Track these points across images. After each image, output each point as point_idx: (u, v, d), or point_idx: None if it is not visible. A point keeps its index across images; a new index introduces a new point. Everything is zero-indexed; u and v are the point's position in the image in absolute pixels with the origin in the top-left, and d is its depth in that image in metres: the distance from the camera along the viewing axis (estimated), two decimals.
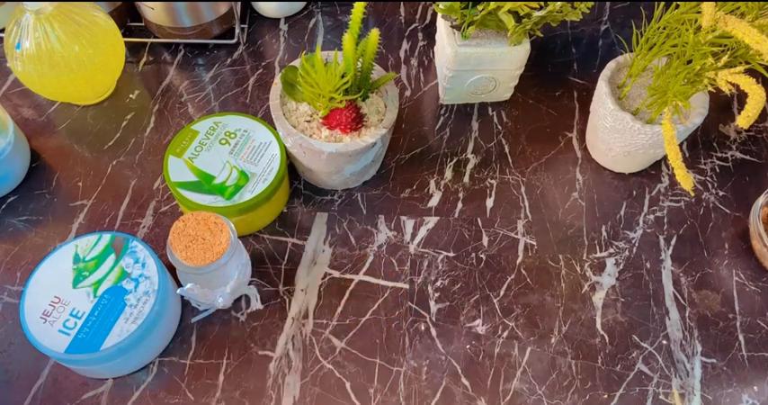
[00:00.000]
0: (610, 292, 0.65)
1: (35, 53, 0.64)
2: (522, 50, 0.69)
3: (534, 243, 0.67)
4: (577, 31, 0.85)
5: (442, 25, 0.72)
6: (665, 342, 0.62)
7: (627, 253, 0.67)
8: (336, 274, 0.65)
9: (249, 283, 0.63)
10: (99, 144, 0.72)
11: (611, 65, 0.68)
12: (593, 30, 0.85)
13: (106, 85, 0.74)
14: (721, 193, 0.72)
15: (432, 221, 0.68)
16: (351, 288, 0.64)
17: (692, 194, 0.72)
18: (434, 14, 0.85)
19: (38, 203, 0.68)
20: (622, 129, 0.65)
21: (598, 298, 0.64)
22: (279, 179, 0.62)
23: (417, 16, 0.86)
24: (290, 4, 0.83)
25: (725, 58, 0.54)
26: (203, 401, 0.57)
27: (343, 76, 0.59)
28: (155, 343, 0.58)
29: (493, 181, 0.72)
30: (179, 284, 0.60)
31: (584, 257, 0.67)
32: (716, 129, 0.77)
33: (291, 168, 0.69)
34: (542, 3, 0.63)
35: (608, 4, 0.88)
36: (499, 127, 0.76)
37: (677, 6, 0.59)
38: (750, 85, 0.51)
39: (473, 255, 0.66)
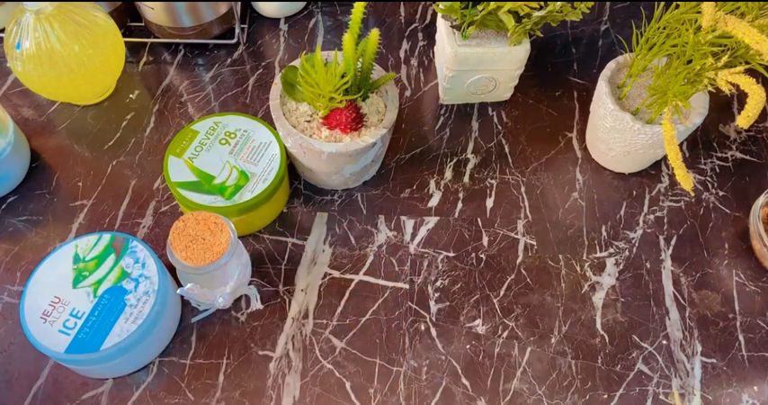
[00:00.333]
0: (610, 292, 0.65)
1: (35, 53, 0.64)
2: (522, 50, 0.69)
3: (534, 243, 0.67)
4: (577, 31, 0.85)
5: (442, 25, 0.72)
6: (665, 342, 0.62)
7: (627, 253, 0.67)
8: (336, 274, 0.65)
9: (249, 283, 0.63)
10: (99, 144, 0.72)
11: (611, 65, 0.68)
12: (593, 30, 0.85)
13: (106, 85, 0.74)
14: (721, 193, 0.72)
15: (432, 221, 0.68)
16: (351, 288, 0.64)
17: (692, 194, 0.72)
18: (434, 14, 0.85)
19: (38, 203, 0.68)
20: (622, 129, 0.65)
21: (598, 298, 0.64)
22: (279, 179, 0.62)
23: (417, 16, 0.86)
24: (290, 4, 0.83)
25: (725, 58, 0.54)
26: (203, 401, 0.57)
27: (343, 76, 0.59)
28: (155, 343, 0.58)
29: (493, 181, 0.72)
30: (179, 284, 0.60)
31: (584, 257, 0.67)
32: (716, 129, 0.77)
33: (291, 168, 0.69)
34: (542, 3, 0.63)
35: (608, 4, 0.88)
36: (499, 127, 0.76)
37: (677, 6, 0.59)
38: (750, 85, 0.51)
39: (473, 255, 0.66)
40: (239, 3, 0.81)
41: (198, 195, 0.61)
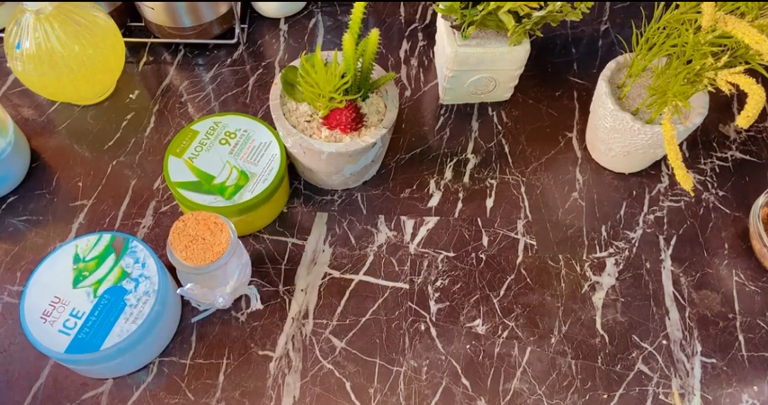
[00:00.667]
0: (610, 292, 0.65)
1: (35, 53, 0.64)
2: (522, 50, 0.69)
3: (534, 243, 0.67)
4: (577, 31, 0.85)
5: (442, 25, 0.72)
6: (664, 342, 0.62)
7: (627, 253, 0.67)
8: (336, 274, 0.65)
9: (249, 283, 0.63)
10: (99, 144, 0.72)
11: (611, 65, 0.68)
12: (593, 30, 0.85)
13: (106, 85, 0.74)
14: (721, 193, 0.72)
15: (432, 221, 0.68)
16: (351, 288, 0.64)
17: (692, 194, 0.72)
18: (434, 14, 0.85)
19: (38, 203, 0.68)
20: (622, 129, 0.65)
21: (598, 298, 0.64)
22: (279, 179, 0.62)
23: (417, 16, 0.86)
24: (290, 4, 0.83)
25: (725, 58, 0.54)
26: (203, 401, 0.57)
27: (343, 76, 0.59)
28: (155, 343, 0.58)
29: (493, 181, 0.72)
30: (179, 284, 0.60)
31: (584, 257, 0.67)
32: (716, 129, 0.77)
33: (291, 168, 0.69)
34: (542, 3, 0.63)
35: (608, 4, 0.88)
36: (499, 127, 0.76)
37: (677, 6, 0.59)
38: (750, 85, 0.51)
39: (473, 255, 0.66)
40: (239, 3, 0.81)
41: (198, 195, 0.61)
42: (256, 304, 0.61)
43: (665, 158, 0.73)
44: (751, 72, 0.56)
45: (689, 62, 0.58)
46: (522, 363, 0.60)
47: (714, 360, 0.61)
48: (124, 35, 0.78)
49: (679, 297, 0.65)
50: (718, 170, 0.74)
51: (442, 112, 0.77)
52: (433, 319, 0.62)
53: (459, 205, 0.70)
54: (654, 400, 0.59)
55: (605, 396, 0.59)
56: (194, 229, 0.55)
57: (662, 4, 0.62)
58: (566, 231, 0.68)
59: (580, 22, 0.85)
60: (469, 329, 0.62)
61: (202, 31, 0.78)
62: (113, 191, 0.69)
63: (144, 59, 0.80)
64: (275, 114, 0.63)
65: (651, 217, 0.70)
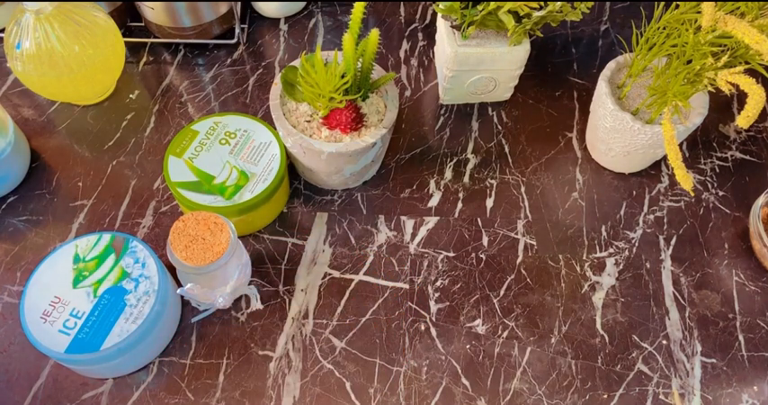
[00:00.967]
0: (610, 292, 0.65)
1: (35, 53, 0.64)
2: (522, 50, 0.69)
3: (534, 243, 0.67)
4: (577, 31, 0.85)
5: (442, 25, 0.72)
6: (664, 342, 0.62)
7: (627, 253, 0.67)
8: (336, 274, 0.65)
9: (249, 283, 0.63)
10: (99, 144, 0.72)
11: (611, 65, 0.68)
12: (593, 30, 0.85)
13: (106, 85, 0.74)
14: (721, 193, 0.72)
15: (432, 221, 0.68)
16: (351, 288, 0.64)
17: (692, 194, 0.72)
18: (434, 14, 0.85)
19: (38, 203, 0.68)
20: (622, 129, 0.65)
21: (598, 298, 0.64)
22: (279, 179, 0.62)
23: (417, 16, 0.86)
24: (290, 4, 0.83)
25: (725, 58, 0.54)
26: (203, 401, 0.57)
27: (343, 76, 0.59)
28: (155, 343, 0.58)
29: (493, 181, 0.72)
30: (179, 284, 0.60)
31: (584, 257, 0.67)
32: (716, 129, 0.77)
33: (291, 168, 0.69)
34: (542, 3, 0.63)
35: (608, 4, 0.88)
36: (499, 127, 0.76)
37: (677, 6, 0.59)
38: (750, 85, 0.51)
39: (473, 255, 0.66)
40: (239, 3, 0.81)
41: (198, 195, 0.61)
42: (256, 304, 0.61)
43: (665, 158, 0.73)
44: (751, 72, 0.56)
45: (689, 62, 0.58)
46: (522, 363, 0.60)
47: (714, 360, 0.61)
48: (124, 35, 0.78)
49: (679, 297, 0.65)
50: (718, 170, 0.74)
51: (442, 112, 0.77)
52: (433, 319, 0.62)
53: (459, 205, 0.70)
54: (654, 400, 0.59)
55: (605, 396, 0.59)
56: (194, 229, 0.55)
57: (662, 4, 0.62)
58: (566, 231, 0.68)
59: (580, 22, 0.85)
60: (469, 329, 0.62)
61: (202, 31, 0.78)
62: (113, 191, 0.69)
63: (144, 59, 0.80)
64: (275, 114, 0.63)
65: (651, 217, 0.70)
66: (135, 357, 0.56)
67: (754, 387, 0.60)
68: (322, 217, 0.68)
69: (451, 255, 0.66)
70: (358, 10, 0.58)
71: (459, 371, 0.60)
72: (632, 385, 0.60)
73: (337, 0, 0.86)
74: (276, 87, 0.64)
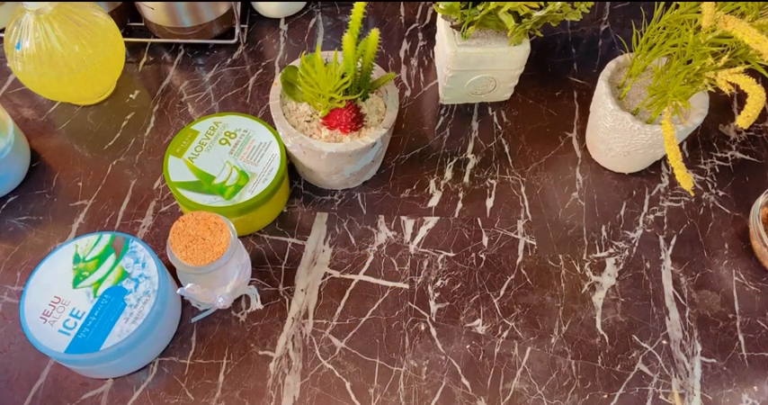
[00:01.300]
0: (610, 292, 0.65)
1: (35, 53, 0.64)
2: (522, 50, 0.69)
3: (534, 243, 0.67)
4: (577, 31, 0.85)
5: (442, 25, 0.72)
6: (664, 342, 0.62)
7: (627, 253, 0.67)
8: (336, 274, 0.65)
9: (249, 283, 0.63)
10: (99, 144, 0.72)
11: (611, 65, 0.68)
12: (593, 30, 0.85)
13: (106, 85, 0.74)
14: (721, 193, 0.72)
15: (432, 221, 0.68)
16: (351, 288, 0.64)
17: (692, 194, 0.72)
18: (434, 14, 0.85)
19: (38, 203, 0.68)
20: (622, 129, 0.65)
21: (598, 298, 0.64)
22: (279, 179, 0.62)
23: (417, 16, 0.86)
24: (290, 4, 0.83)
25: (725, 58, 0.54)
26: (203, 401, 0.57)
27: (343, 76, 0.59)
28: (155, 343, 0.58)
29: (493, 181, 0.72)
30: (179, 284, 0.60)
31: (584, 257, 0.67)
32: (716, 129, 0.77)
33: (291, 168, 0.69)
34: (542, 3, 0.63)
35: (608, 4, 0.88)
36: (499, 127, 0.76)
37: (677, 6, 0.59)
38: (750, 85, 0.51)
39: (473, 255, 0.66)
40: (239, 3, 0.81)
41: (198, 195, 0.61)
42: (256, 304, 0.61)
43: (665, 158, 0.73)
44: (751, 72, 0.56)
45: (689, 62, 0.58)
46: (522, 363, 0.60)
47: (714, 360, 0.61)
48: (124, 35, 0.78)
49: (679, 297, 0.65)
50: (718, 170, 0.74)
51: (442, 112, 0.77)
52: (433, 319, 0.62)
53: (459, 205, 0.70)
54: (654, 400, 0.59)
55: (605, 396, 0.59)
56: (194, 229, 0.55)
57: (662, 4, 0.62)
58: (566, 231, 0.68)
59: (580, 22, 0.85)
60: (469, 329, 0.62)
61: (202, 31, 0.78)
62: (113, 191, 0.69)
63: (144, 59, 0.80)
64: (275, 114, 0.63)
65: (651, 217, 0.70)
66: (135, 357, 0.56)
67: (754, 387, 0.60)
68: (322, 217, 0.68)
69: (451, 255, 0.66)
70: (358, 10, 0.58)
71: (459, 371, 0.60)
72: (632, 385, 0.60)
73: (337, 0, 0.86)
74: (276, 87, 0.64)
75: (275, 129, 0.65)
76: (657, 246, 0.68)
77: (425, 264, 0.66)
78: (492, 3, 0.64)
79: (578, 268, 0.66)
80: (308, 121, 0.63)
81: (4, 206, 0.67)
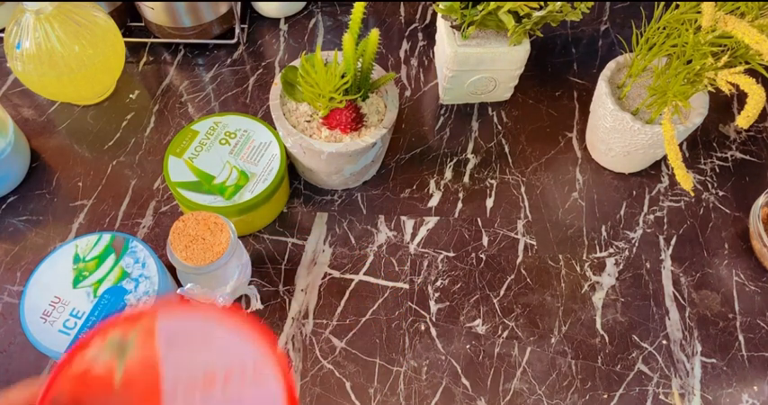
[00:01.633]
0: (610, 292, 0.65)
1: (35, 53, 0.64)
2: (522, 50, 0.69)
3: (534, 243, 0.67)
4: (577, 31, 0.85)
5: (442, 25, 0.72)
6: (664, 342, 0.62)
7: (627, 253, 0.67)
8: (336, 274, 0.65)
9: (249, 283, 0.63)
10: (99, 144, 0.72)
11: (611, 65, 0.68)
12: (593, 30, 0.85)
13: (106, 85, 0.74)
14: (721, 193, 0.72)
15: (432, 221, 0.68)
16: (351, 288, 0.64)
17: (692, 194, 0.72)
18: (434, 14, 0.85)
19: (38, 203, 0.68)
20: (622, 129, 0.65)
21: (598, 298, 0.64)
22: (279, 179, 0.62)
23: (417, 16, 0.86)
24: (290, 4, 0.83)
25: (725, 58, 0.54)
26: None
27: (343, 76, 0.59)
28: None
29: (493, 181, 0.72)
30: (179, 284, 0.60)
31: (584, 257, 0.67)
32: (716, 129, 0.77)
33: (291, 168, 0.69)
34: (542, 3, 0.63)
35: (608, 4, 0.88)
36: (499, 127, 0.76)
37: (677, 6, 0.59)
38: (750, 85, 0.51)
39: (473, 255, 0.66)
40: (239, 3, 0.81)
41: (198, 195, 0.61)
42: (256, 304, 0.61)
43: (665, 158, 0.73)
44: (751, 72, 0.56)
45: (689, 62, 0.58)
46: (522, 363, 0.60)
47: (714, 360, 0.61)
48: (124, 35, 0.78)
49: (679, 297, 0.65)
50: (718, 170, 0.74)
51: (442, 112, 0.77)
52: (433, 319, 0.62)
53: (459, 205, 0.70)
54: (654, 400, 0.59)
55: (605, 396, 0.59)
56: (194, 229, 0.55)
57: (662, 4, 0.62)
58: (566, 231, 0.68)
59: (580, 22, 0.85)
60: (469, 329, 0.62)
61: (202, 31, 0.78)
62: (113, 191, 0.69)
63: (144, 59, 0.80)
64: (275, 114, 0.63)
65: (651, 217, 0.70)
66: None
67: (755, 387, 0.60)
68: (322, 217, 0.68)
69: (451, 255, 0.66)
70: (358, 10, 0.58)
71: (459, 371, 0.60)
72: (632, 385, 0.60)
73: (337, 0, 0.86)
74: (276, 87, 0.64)
75: (275, 129, 0.65)
76: (657, 246, 0.68)
77: (425, 264, 0.66)
78: (492, 3, 0.64)
79: (578, 268, 0.66)
80: (308, 121, 0.63)
81: (4, 206, 0.67)
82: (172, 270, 0.60)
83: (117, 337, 0.28)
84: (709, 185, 0.72)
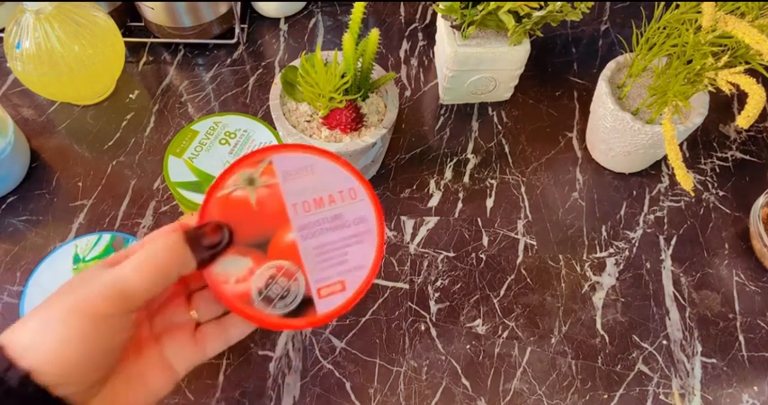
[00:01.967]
0: (610, 292, 0.65)
1: (35, 53, 0.64)
2: (522, 50, 0.69)
3: (534, 243, 0.67)
4: (577, 31, 0.85)
5: (442, 25, 0.72)
6: (665, 342, 0.62)
7: (627, 253, 0.67)
8: None
9: None
10: (99, 144, 0.72)
11: (611, 65, 0.68)
12: (593, 30, 0.85)
13: (106, 85, 0.74)
14: (721, 193, 0.72)
15: (432, 221, 0.68)
16: None
17: (692, 194, 0.72)
18: (434, 14, 0.85)
19: (38, 203, 0.68)
20: (622, 129, 0.65)
21: (598, 298, 0.64)
22: None
23: (417, 16, 0.86)
24: (290, 4, 0.83)
25: (725, 58, 0.54)
26: (203, 401, 0.57)
27: (343, 76, 0.59)
28: None
29: (493, 181, 0.72)
30: None
31: (584, 257, 0.67)
32: (716, 129, 0.77)
33: None
34: (542, 3, 0.63)
35: (608, 4, 0.88)
36: (499, 127, 0.76)
37: (677, 6, 0.59)
38: (750, 85, 0.51)
39: (473, 255, 0.66)
40: (239, 3, 0.81)
41: (198, 195, 0.61)
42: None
43: (665, 158, 0.73)
44: (751, 72, 0.56)
45: (689, 62, 0.58)
46: (523, 363, 0.60)
47: (714, 360, 0.61)
48: (124, 35, 0.78)
49: (679, 297, 0.65)
50: (718, 170, 0.74)
51: (442, 112, 0.77)
52: (433, 319, 0.62)
53: (459, 205, 0.70)
54: (654, 401, 0.59)
55: (605, 396, 0.59)
56: None
57: (662, 4, 0.62)
58: (566, 231, 0.68)
59: (580, 22, 0.85)
60: (469, 329, 0.62)
61: (202, 31, 0.78)
62: (113, 191, 0.69)
63: (144, 59, 0.80)
64: (275, 114, 0.63)
65: (651, 217, 0.70)
66: None
67: (755, 387, 0.60)
68: None
69: (451, 255, 0.66)
70: (358, 10, 0.58)
71: (459, 371, 0.60)
72: (632, 385, 0.60)
73: (337, 0, 0.86)
74: (276, 87, 0.64)
75: (275, 129, 0.65)
76: (657, 246, 0.68)
77: (425, 264, 0.66)
78: (492, 3, 0.64)
79: (578, 268, 0.66)
80: (308, 121, 0.63)
81: (3, 206, 0.67)
82: None
83: (246, 172, 0.37)
84: (710, 185, 0.72)
